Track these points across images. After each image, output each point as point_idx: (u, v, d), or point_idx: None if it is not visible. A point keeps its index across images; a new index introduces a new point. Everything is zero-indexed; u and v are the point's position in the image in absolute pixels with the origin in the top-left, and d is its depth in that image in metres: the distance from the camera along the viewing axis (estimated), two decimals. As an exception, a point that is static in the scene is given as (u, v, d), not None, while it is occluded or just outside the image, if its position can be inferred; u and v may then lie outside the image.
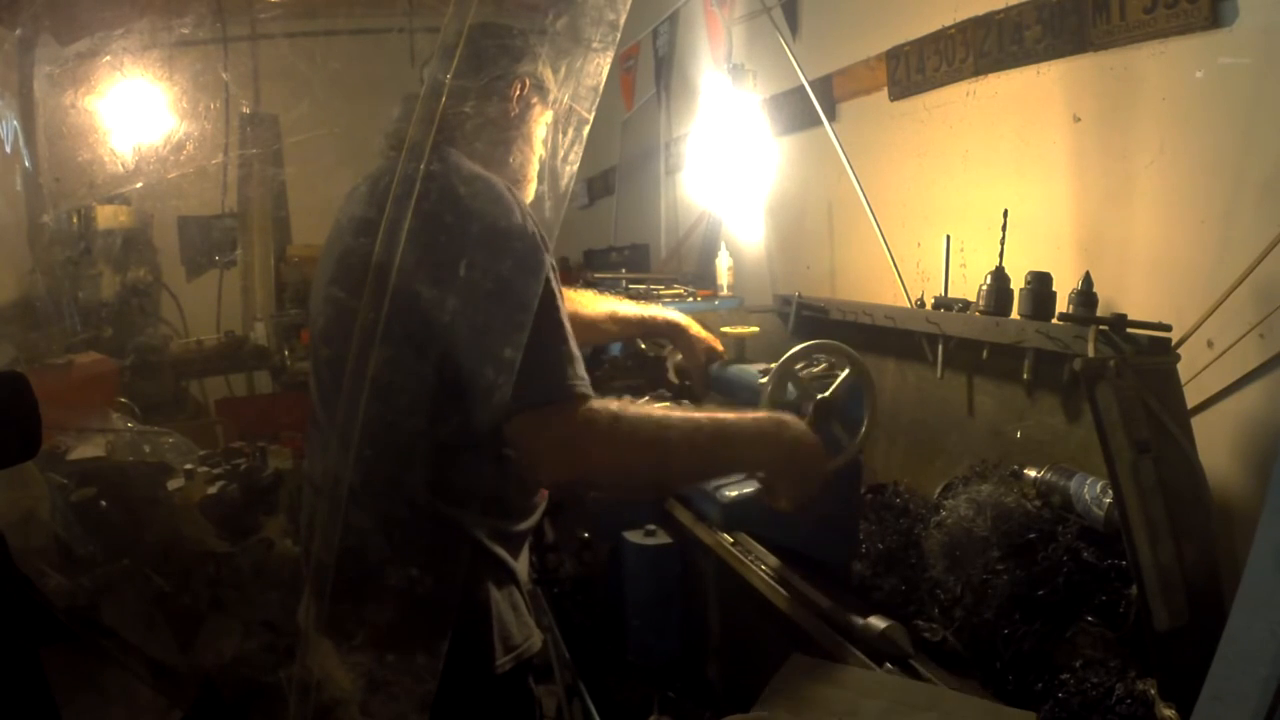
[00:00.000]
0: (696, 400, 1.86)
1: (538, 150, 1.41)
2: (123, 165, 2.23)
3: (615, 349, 2.45)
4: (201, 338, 4.05)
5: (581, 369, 1.14)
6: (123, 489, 2.15)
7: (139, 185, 2.23)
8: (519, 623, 1.29)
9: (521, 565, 1.34)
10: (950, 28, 2.02)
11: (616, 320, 1.85)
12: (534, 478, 1.20)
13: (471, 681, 1.22)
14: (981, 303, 1.65)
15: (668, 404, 1.20)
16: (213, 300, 4.29)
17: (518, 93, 1.35)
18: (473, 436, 1.17)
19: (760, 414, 1.32)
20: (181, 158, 2.08)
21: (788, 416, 1.33)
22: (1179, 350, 1.31)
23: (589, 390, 1.13)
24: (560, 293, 1.17)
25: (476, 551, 1.23)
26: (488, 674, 1.24)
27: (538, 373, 1.09)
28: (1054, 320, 1.50)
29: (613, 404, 1.14)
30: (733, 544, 1.68)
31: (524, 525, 1.33)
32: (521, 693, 1.32)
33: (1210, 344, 1.43)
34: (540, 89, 1.38)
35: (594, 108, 1.34)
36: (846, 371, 1.58)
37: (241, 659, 2.00)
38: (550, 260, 1.16)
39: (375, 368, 1.12)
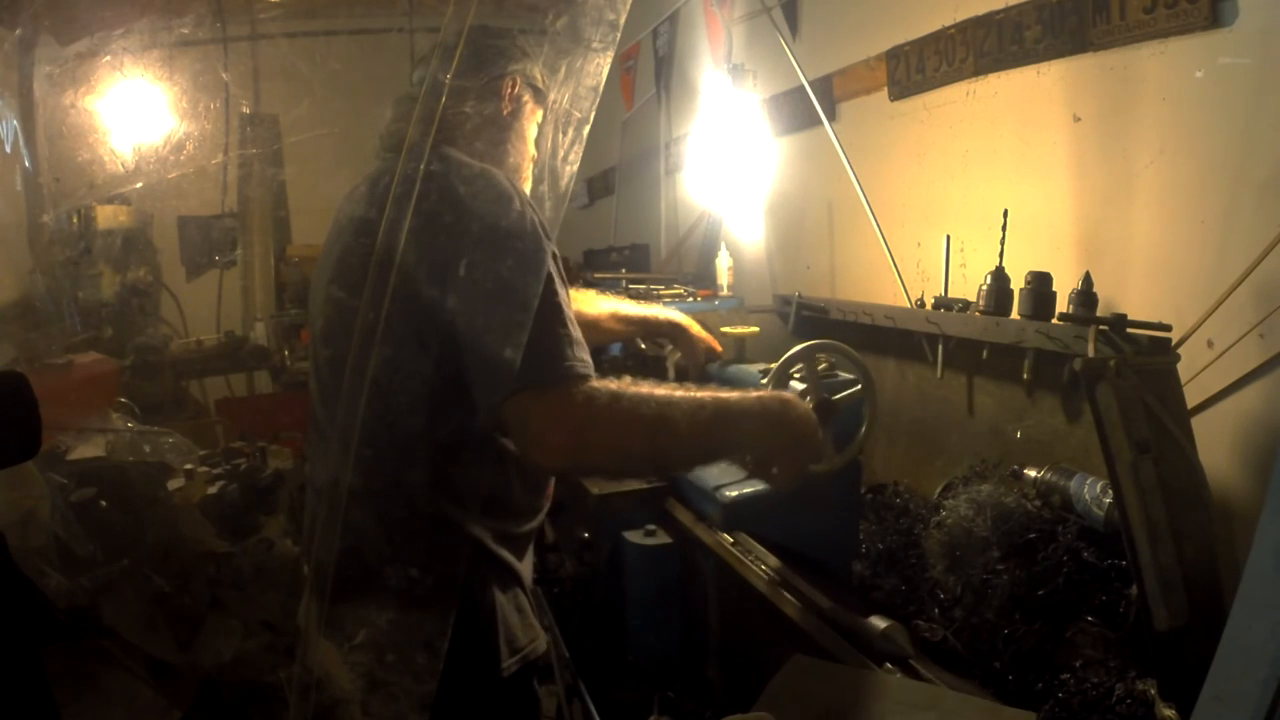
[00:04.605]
0: None
1: (532, 150, 1.41)
2: (123, 165, 2.23)
3: (615, 349, 2.45)
4: (201, 338, 4.04)
5: (583, 351, 1.12)
6: (123, 489, 2.14)
7: (139, 185, 2.23)
8: (524, 625, 1.29)
9: (526, 567, 1.33)
10: (950, 28, 2.02)
11: (617, 320, 1.85)
12: (533, 461, 1.17)
13: (477, 684, 1.22)
14: (981, 303, 1.65)
15: (670, 385, 1.18)
16: (213, 300, 4.28)
17: (509, 91, 1.35)
18: (473, 437, 1.17)
19: (764, 393, 1.31)
20: (181, 158, 2.07)
21: (790, 395, 1.33)
22: (1179, 350, 1.32)
23: (589, 370, 1.11)
24: (562, 277, 1.16)
25: (480, 554, 1.23)
26: (493, 676, 1.24)
27: (535, 354, 1.07)
28: (1054, 320, 1.50)
29: (612, 384, 1.12)
30: (733, 544, 1.68)
31: (527, 527, 1.33)
32: (526, 694, 1.32)
33: (1210, 344, 1.43)
34: (532, 88, 1.38)
35: (594, 108, 1.34)
36: (858, 388, 1.58)
37: (241, 659, 2.00)
38: (552, 248, 1.15)
39: (375, 368, 1.11)
